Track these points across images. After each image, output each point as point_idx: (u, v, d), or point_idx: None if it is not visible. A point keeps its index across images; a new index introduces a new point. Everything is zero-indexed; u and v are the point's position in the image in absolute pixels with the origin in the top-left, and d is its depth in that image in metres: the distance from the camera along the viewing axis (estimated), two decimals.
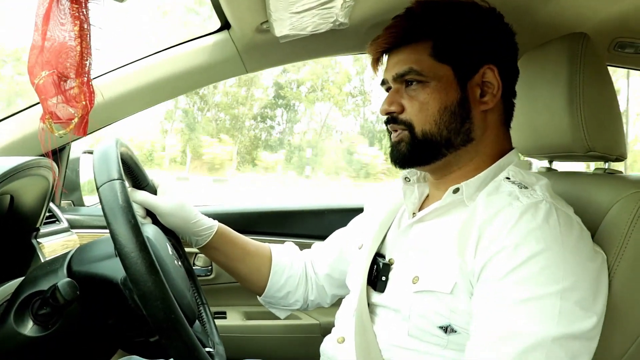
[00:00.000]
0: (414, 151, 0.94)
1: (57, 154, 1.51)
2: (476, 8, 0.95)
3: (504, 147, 0.97)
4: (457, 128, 0.92)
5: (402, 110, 0.94)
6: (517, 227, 0.79)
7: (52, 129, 0.68)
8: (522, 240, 0.77)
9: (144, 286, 0.71)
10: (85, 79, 0.64)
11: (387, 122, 0.97)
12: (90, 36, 0.63)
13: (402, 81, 0.94)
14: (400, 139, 0.95)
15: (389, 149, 0.99)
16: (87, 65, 0.64)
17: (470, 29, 0.93)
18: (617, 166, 1.08)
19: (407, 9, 0.96)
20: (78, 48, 0.61)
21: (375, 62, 1.03)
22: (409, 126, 0.94)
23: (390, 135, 0.98)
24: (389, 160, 1.00)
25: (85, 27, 0.62)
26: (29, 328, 0.81)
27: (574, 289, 0.75)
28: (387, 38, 0.96)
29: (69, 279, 0.79)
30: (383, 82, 1.01)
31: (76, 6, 0.59)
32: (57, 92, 0.63)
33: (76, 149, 1.67)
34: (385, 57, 1.01)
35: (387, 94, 0.99)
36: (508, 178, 0.91)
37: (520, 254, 0.77)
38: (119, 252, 0.72)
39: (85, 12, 0.61)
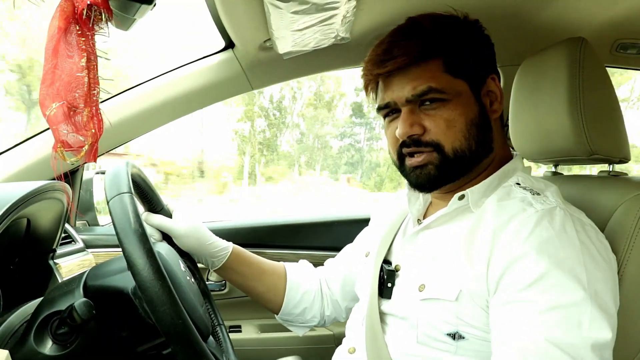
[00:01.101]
0: (444, 171, 0.91)
1: (70, 176, 1.55)
2: (467, 21, 0.96)
3: (505, 153, 0.99)
4: (482, 139, 0.92)
5: (424, 131, 0.90)
6: (535, 234, 0.78)
7: (64, 157, 0.71)
8: (542, 248, 0.76)
9: (151, 291, 0.73)
10: (94, 108, 0.67)
11: (404, 146, 0.92)
12: (97, 67, 0.66)
13: (416, 102, 0.90)
14: (428, 162, 0.91)
15: (408, 174, 0.94)
16: (95, 94, 0.67)
17: (474, 41, 0.94)
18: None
19: (414, 25, 0.93)
20: (86, 79, 0.64)
21: (367, 85, 0.98)
22: (436, 147, 0.90)
23: (400, 160, 0.95)
24: (410, 185, 0.96)
25: (92, 58, 0.65)
26: (48, 347, 0.83)
27: (598, 294, 0.74)
28: (399, 59, 0.90)
29: (85, 299, 0.82)
30: (385, 106, 0.95)
31: (83, 39, 0.62)
32: (68, 122, 0.66)
33: (89, 170, 1.70)
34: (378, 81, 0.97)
35: (382, 118, 0.98)
36: (518, 184, 0.91)
37: (542, 262, 0.75)
38: (127, 260, 0.74)
39: (91, 45, 0.64)
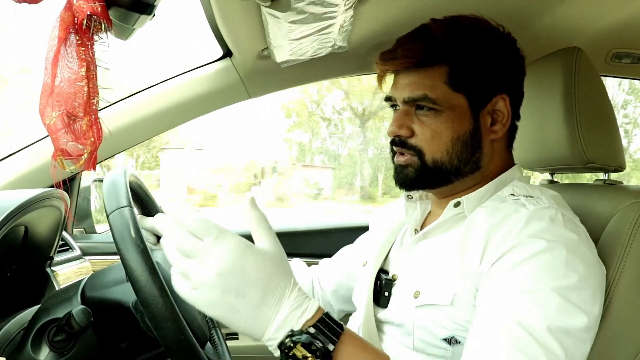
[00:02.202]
0: (422, 177, 0.92)
1: (68, 183, 1.55)
2: (494, 33, 0.93)
3: (507, 165, 0.97)
4: (468, 158, 0.91)
5: (412, 134, 0.92)
6: (524, 230, 0.80)
7: (63, 165, 0.71)
8: (529, 240, 0.79)
9: (155, 308, 0.73)
10: (93, 116, 0.67)
11: (393, 144, 0.95)
12: (96, 76, 0.67)
13: (413, 104, 0.91)
14: (408, 164, 0.93)
15: (394, 170, 0.96)
16: (95, 103, 0.67)
17: (488, 57, 0.91)
18: None
19: (424, 29, 0.93)
20: (85, 88, 0.64)
21: (381, 77, 1.00)
22: (418, 152, 0.91)
23: (393, 156, 0.97)
24: (394, 181, 0.98)
25: (92, 68, 0.65)
26: (45, 355, 0.83)
27: (574, 288, 0.75)
28: (403, 60, 0.91)
29: (82, 307, 0.82)
30: (389, 98, 0.97)
31: (83, 49, 0.63)
32: (67, 131, 0.67)
33: (87, 178, 1.70)
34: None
35: (391, 109, 0.99)
36: (513, 194, 0.91)
37: (524, 251, 0.78)
38: (130, 276, 0.74)
39: (91, 54, 0.65)
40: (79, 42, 0.63)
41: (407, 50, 0.91)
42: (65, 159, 0.70)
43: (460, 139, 0.90)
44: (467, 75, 0.90)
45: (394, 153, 0.97)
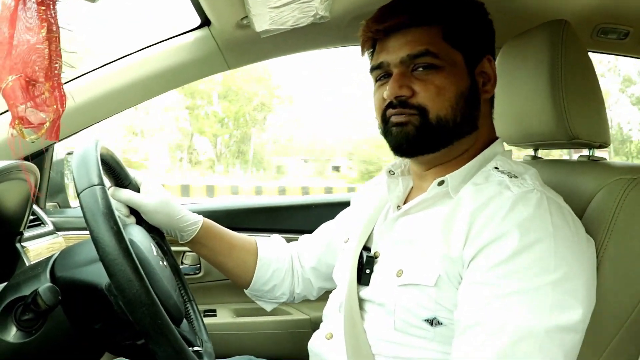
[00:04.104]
0: (424, 136, 0.89)
1: (31, 158, 1.49)
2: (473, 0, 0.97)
3: (491, 137, 0.98)
4: (468, 115, 0.92)
5: (413, 94, 0.89)
6: (509, 217, 0.79)
7: (22, 134, 0.67)
8: (514, 230, 0.77)
9: (129, 293, 0.71)
10: (56, 82, 0.63)
11: (391, 107, 0.91)
12: (59, 39, 0.62)
13: (409, 64, 0.90)
14: (408, 121, 0.89)
15: (389, 133, 0.93)
16: (57, 68, 0.63)
17: (475, 18, 0.94)
18: None
19: None
20: (46, 51, 0.60)
21: (364, 44, 0.98)
22: (422, 111, 0.89)
23: (384, 120, 0.93)
24: (390, 146, 0.95)
25: (54, 29, 0.61)
26: (12, 334, 0.80)
27: (566, 279, 0.75)
28: (398, 17, 0.90)
29: (49, 284, 0.78)
30: (378, 67, 0.94)
31: (43, 8, 0.58)
32: (26, 97, 0.62)
33: (61, 150, 1.65)
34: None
35: (373, 81, 0.98)
36: (497, 168, 0.91)
37: (511, 245, 0.76)
38: (103, 259, 0.71)
39: (53, 14, 0.60)
40: (39, 0, 0.58)
41: (405, 7, 0.91)
42: (25, 128, 0.66)
43: (463, 94, 0.90)
44: (461, 33, 0.91)
45: (385, 120, 0.93)
